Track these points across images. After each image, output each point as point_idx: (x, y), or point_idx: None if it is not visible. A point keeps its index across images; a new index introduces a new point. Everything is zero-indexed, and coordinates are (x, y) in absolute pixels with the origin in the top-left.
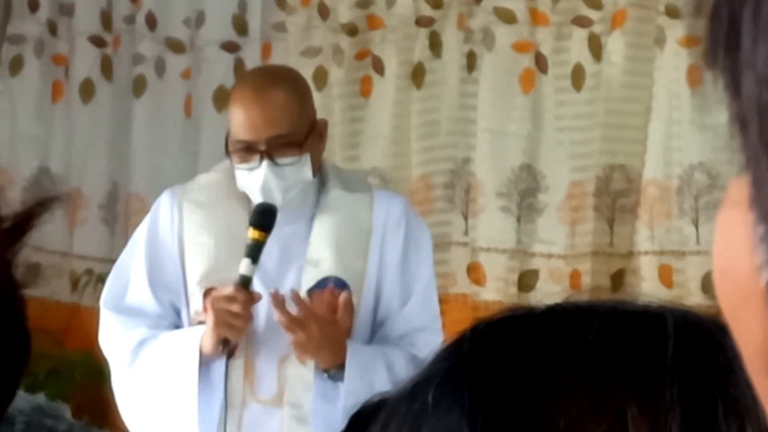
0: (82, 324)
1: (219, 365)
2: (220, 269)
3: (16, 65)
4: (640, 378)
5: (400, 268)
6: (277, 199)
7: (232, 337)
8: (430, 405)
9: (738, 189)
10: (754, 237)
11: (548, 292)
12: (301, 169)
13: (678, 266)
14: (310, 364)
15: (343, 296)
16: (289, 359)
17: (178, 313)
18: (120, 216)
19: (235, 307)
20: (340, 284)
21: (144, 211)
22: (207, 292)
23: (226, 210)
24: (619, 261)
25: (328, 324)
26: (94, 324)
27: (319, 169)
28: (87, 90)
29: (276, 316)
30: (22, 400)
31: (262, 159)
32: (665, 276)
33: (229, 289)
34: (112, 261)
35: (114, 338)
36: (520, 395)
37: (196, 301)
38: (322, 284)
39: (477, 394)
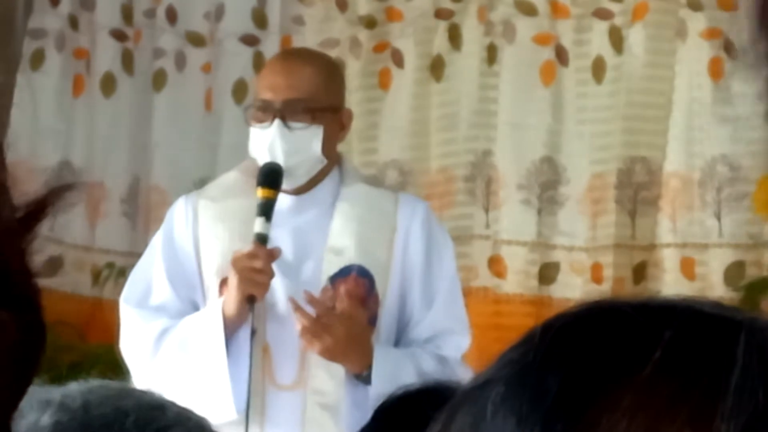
0: (104, 317)
1: (244, 343)
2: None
3: (37, 59)
4: (700, 407)
5: (423, 272)
6: (279, 160)
7: (257, 293)
8: (488, 412)
9: None
10: None
11: (569, 285)
12: (311, 138)
13: (700, 258)
14: None
15: (343, 291)
16: None
17: (197, 310)
18: (141, 209)
19: (258, 263)
20: (364, 273)
21: (165, 204)
22: (223, 282)
23: (241, 203)
24: (641, 253)
25: (351, 322)
26: (116, 317)
27: (337, 161)
28: (108, 84)
29: (297, 323)
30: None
31: (274, 118)
32: (687, 268)
33: (248, 247)
34: (134, 254)
35: (136, 331)
36: (578, 411)
37: (213, 293)
38: (344, 272)
39: (535, 407)
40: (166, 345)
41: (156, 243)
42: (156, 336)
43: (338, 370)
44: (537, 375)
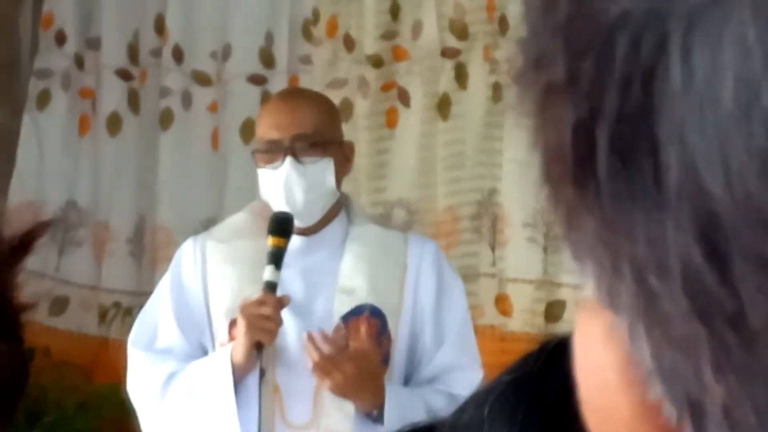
0: (110, 357)
1: (252, 387)
2: (245, 301)
3: (43, 99)
4: None
5: (434, 311)
6: (298, 198)
7: (265, 340)
8: (485, 418)
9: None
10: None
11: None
12: (324, 171)
13: None
14: None
15: (363, 330)
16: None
17: (205, 352)
18: (147, 249)
19: (266, 310)
20: (376, 313)
21: (171, 243)
22: (232, 324)
23: (249, 244)
24: None
25: (363, 360)
26: (123, 357)
27: (344, 202)
28: (114, 123)
29: (309, 357)
30: None
31: (285, 156)
32: None
33: (257, 295)
34: (140, 294)
35: (143, 375)
36: (575, 416)
37: (222, 334)
38: (357, 312)
39: (532, 413)
40: (174, 389)
41: (164, 285)
42: (164, 380)
43: (351, 409)
44: (536, 380)
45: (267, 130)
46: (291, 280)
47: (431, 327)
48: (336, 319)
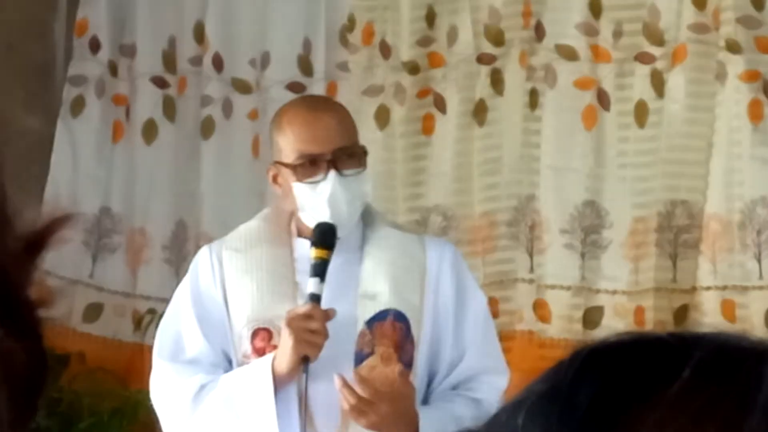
0: (145, 363)
1: (291, 398)
2: (266, 310)
3: (77, 106)
4: (727, 421)
5: (455, 314)
6: (342, 212)
7: (312, 354)
8: (519, 429)
9: None
10: None
11: (613, 329)
12: (363, 182)
13: (741, 301)
14: None
15: (398, 369)
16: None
17: (229, 361)
18: (189, 256)
19: (314, 324)
20: (400, 317)
21: None
22: (255, 334)
23: (266, 252)
24: (682, 296)
25: (398, 397)
26: None
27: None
28: (150, 130)
29: (343, 401)
30: None
31: (328, 170)
32: (728, 311)
33: (304, 308)
34: None
35: (171, 386)
36: (608, 426)
37: (244, 345)
38: (381, 316)
39: (566, 423)
40: (208, 401)
41: (183, 295)
42: (195, 392)
43: None
44: (568, 390)
45: (304, 144)
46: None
47: (452, 330)
48: (360, 325)
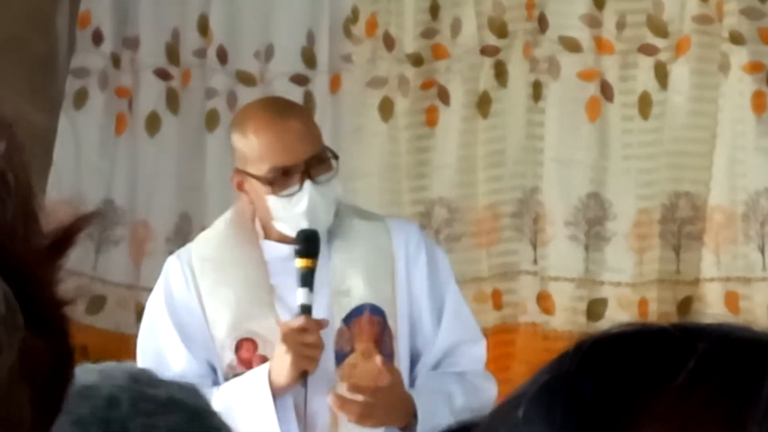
0: None
1: (288, 408)
2: (248, 319)
3: (80, 98)
4: (732, 413)
5: (428, 294)
6: (321, 220)
7: (311, 368)
8: (521, 420)
9: None
10: None
11: (617, 321)
12: (334, 186)
13: (744, 292)
14: None
15: (379, 360)
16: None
17: (214, 371)
18: None
19: (310, 338)
20: (376, 311)
21: None
22: (239, 345)
23: (238, 258)
24: (685, 288)
25: (393, 391)
26: None
27: None
28: (153, 123)
29: (347, 415)
30: (114, 372)
31: (303, 180)
32: (732, 303)
33: (297, 321)
34: None
35: None
36: (612, 417)
37: (228, 355)
38: (357, 312)
39: (569, 413)
40: None
41: (157, 309)
42: None
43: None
44: (572, 382)
45: (275, 155)
46: (286, 287)
47: (428, 311)
48: (338, 323)
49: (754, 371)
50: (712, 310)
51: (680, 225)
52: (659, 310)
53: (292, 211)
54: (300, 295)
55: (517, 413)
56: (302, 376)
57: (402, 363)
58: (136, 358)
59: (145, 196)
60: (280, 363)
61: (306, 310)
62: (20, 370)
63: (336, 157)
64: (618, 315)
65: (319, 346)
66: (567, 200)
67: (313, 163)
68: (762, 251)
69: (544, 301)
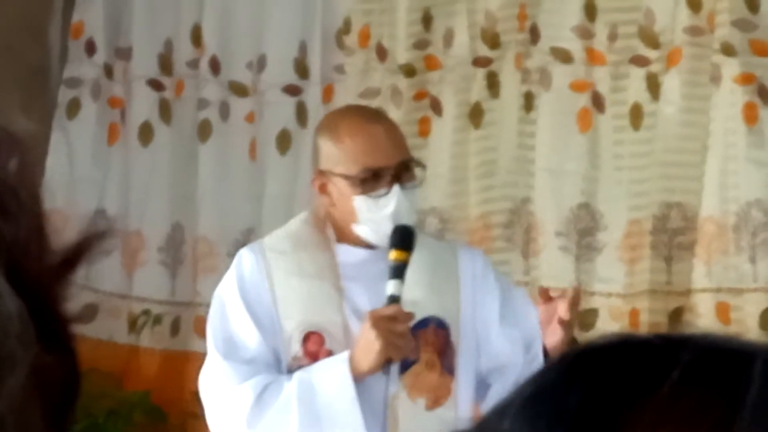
0: (140, 365)
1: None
2: (317, 314)
3: (73, 108)
4: (718, 421)
5: (503, 316)
6: (405, 223)
7: (397, 358)
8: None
9: None
10: None
11: (608, 331)
12: (418, 194)
13: (735, 303)
14: (420, 401)
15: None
16: (399, 397)
17: (279, 361)
18: (186, 259)
19: (400, 327)
20: (441, 325)
21: (212, 253)
22: (307, 337)
23: (312, 255)
24: (676, 299)
25: None
26: (152, 364)
27: None
28: (146, 133)
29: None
30: None
31: (392, 184)
32: (723, 313)
33: (389, 310)
34: (171, 303)
35: (230, 387)
36: (597, 428)
37: (295, 347)
38: (423, 324)
39: (554, 425)
40: (277, 402)
41: (229, 293)
42: (258, 392)
43: (425, 414)
44: (557, 394)
45: (368, 157)
46: (357, 292)
47: (505, 331)
48: None
49: (738, 380)
50: (704, 320)
51: (671, 235)
52: (650, 321)
53: (379, 213)
54: (390, 286)
55: (502, 425)
56: (386, 363)
57: (463, 378)
58: (128, 368)
59: (137, 205)
60: (367, 349)
61: (395, 300)
62: (33, 385)
63: (423, 166)
64: (609, 325)
65: (407, 336)
66: (558, 210)
67: (402, 169)
68: (753, 262)
69: None
